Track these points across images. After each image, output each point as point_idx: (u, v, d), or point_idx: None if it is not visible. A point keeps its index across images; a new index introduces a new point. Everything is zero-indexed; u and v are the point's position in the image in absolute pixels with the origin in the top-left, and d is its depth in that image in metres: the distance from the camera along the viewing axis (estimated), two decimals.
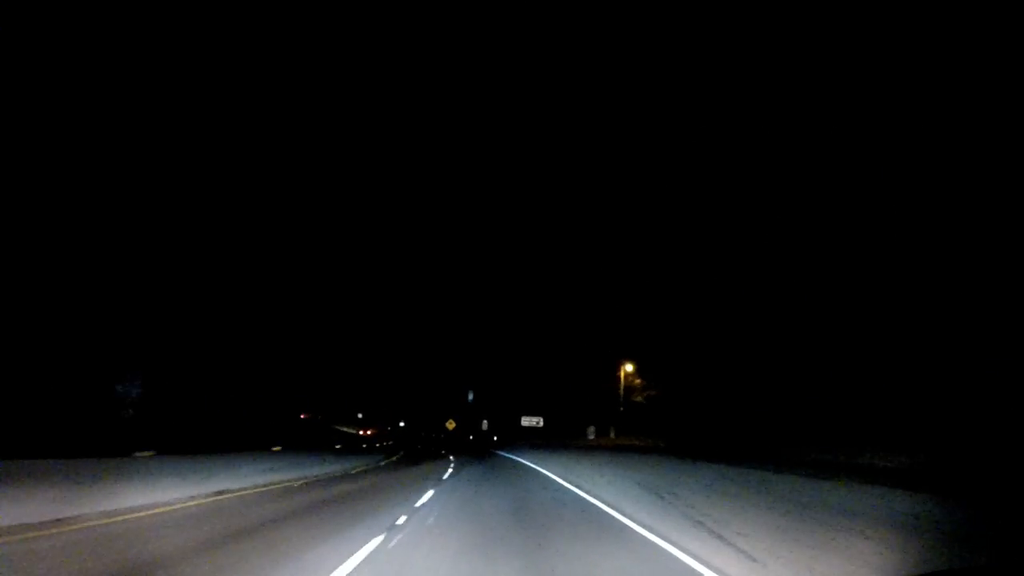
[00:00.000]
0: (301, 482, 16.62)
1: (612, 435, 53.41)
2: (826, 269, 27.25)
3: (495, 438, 65.84)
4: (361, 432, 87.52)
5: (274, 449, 34.24)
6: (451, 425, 55.83)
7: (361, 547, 7.00)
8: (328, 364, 75.92)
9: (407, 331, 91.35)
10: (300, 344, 65.50)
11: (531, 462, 25.60)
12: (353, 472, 21.57)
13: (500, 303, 75.23)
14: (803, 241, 29.28)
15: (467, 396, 62.89)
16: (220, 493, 12.71)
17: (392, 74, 75.00)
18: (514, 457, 31.93)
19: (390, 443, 73.57)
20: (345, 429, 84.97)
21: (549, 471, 19.78)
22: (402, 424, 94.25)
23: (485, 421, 58.35)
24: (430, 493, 13.25)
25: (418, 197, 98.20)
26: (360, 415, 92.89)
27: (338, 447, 40.66)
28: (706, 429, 36.29)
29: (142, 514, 9.52)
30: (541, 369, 59.37)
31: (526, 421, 56.72)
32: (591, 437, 55.31)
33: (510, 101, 79.52)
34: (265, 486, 14.83)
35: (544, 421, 56.41)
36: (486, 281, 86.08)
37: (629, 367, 54.32)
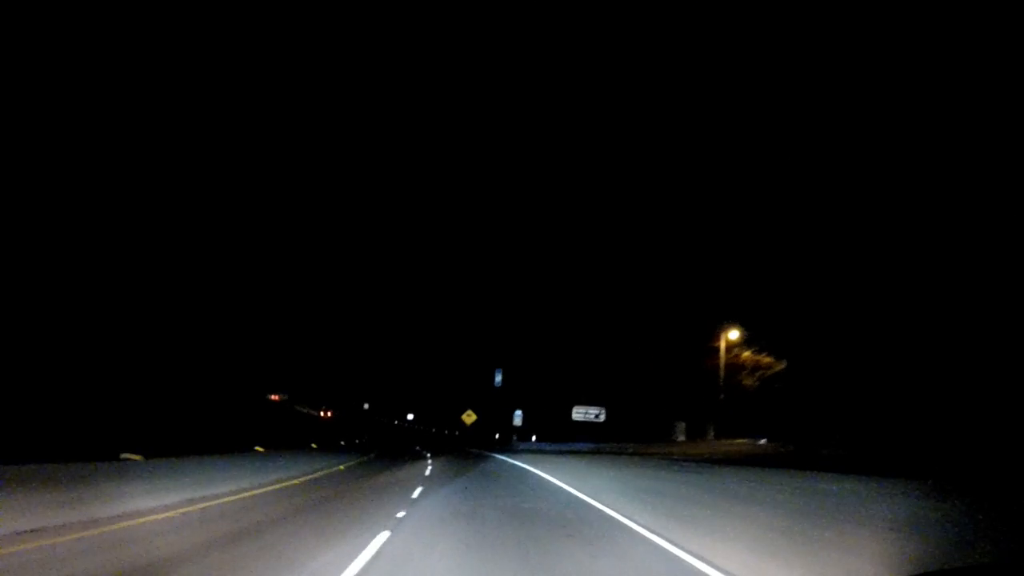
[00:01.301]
0: None
1: (711, 435, 36.40)
2: None
3: (533, 437, 48.17)
4: (321, 414, 79.17)
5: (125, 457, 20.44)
6: (469, 418, 38.29)
7: None
8: (318, 342, 62.82)
9: (420, 294, 76.27)
10: (279, 319, 54.92)
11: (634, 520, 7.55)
12: None
13: (540, 249, 58.03)
14: None
15: (494, 378, 45.29)
16: None
17: (413, 56, 69.60)
18: (580, 495, 13.37)
19: (364, 439, 59.80)
20: (309, 411, 78.40)
21: None
22: (410, 417, 79.35)
23: (519, 412, 40.72)
24: None
25: (438, 150, 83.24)
26: (366, 405, 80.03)
27: (258, 449, 26.67)
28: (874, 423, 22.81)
29: None
30: (601, 341, 41.37)
31: (579, 413, 39.15)
32: (680, 438, 37.91)
33: (553, 68, 67.51)
34: None
35: (606, 413, 38.63)
36: (520, 223, 69.37)
37: (734, 334, 36.68)
